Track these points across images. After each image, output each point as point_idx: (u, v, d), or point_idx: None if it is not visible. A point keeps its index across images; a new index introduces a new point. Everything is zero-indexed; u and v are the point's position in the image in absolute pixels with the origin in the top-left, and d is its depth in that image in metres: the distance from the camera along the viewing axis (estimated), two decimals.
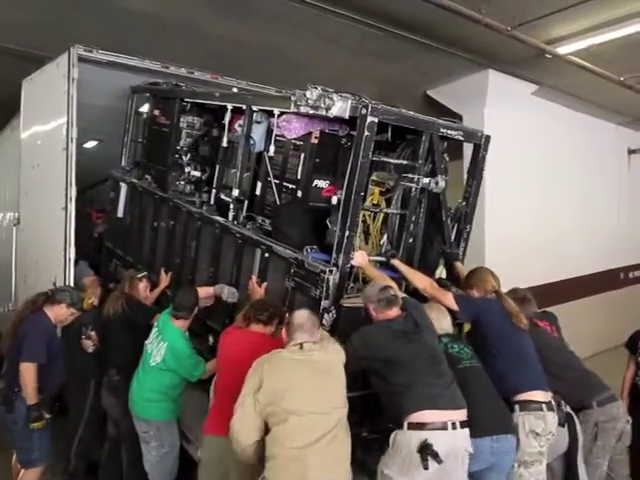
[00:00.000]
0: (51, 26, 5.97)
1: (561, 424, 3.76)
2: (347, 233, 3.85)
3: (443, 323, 3.87)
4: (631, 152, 11.11)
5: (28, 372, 4.18)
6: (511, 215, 8.17)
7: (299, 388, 3.14)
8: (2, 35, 6.11)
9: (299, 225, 4.20)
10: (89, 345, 4.76)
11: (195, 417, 4.47)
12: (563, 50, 6.54)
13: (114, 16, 5.70)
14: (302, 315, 3.41)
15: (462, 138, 4.33)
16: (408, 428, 3.23)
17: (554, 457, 3.87)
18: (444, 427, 3.20)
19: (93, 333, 4.76)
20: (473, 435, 3.32)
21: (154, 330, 4.33)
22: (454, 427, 3.22)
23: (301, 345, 3.28)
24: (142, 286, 4.95)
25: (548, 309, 4.80)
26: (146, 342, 4.32)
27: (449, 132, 4.23)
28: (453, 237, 4.54)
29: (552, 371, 3.85)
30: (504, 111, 7.85)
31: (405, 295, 3.84)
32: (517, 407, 3.61)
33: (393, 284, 3.91)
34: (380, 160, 4.32)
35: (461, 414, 3.29)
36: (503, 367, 3.69)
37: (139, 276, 4.97)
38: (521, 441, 3.54)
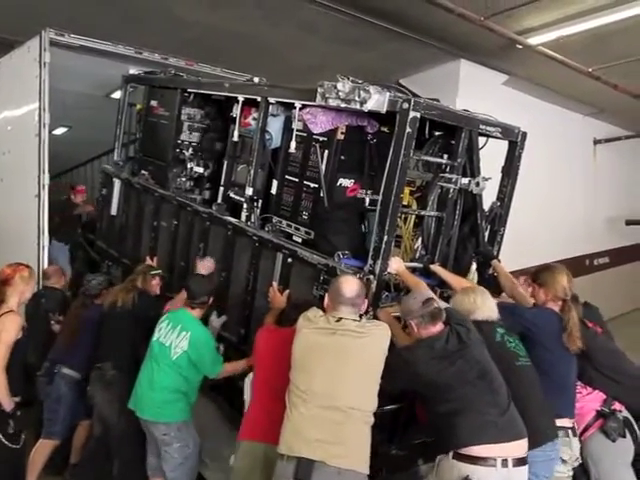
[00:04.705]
0: (19, 9, 5.62)
1: (622, 435, 3.40)
2: (385, 238, 3.38)
3: (491, 304, 3.35)
4: (597, 142, 11.04)
5: None
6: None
7: (316, 369, 2.81)
8: None
9: (347, 233, 3.70)
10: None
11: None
12: (533, 41, 6.44)
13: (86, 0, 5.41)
14: (353, 288, 2.97)
15: (500, 135, 3.88)
16: (453, 457, 2.82)
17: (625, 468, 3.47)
18: (492, 464, 2.75)
19: (61, 317, 4.71)
20: (538, 443, 2.98)
21: (164, 325, 3.85)
22: (504, 464, 2.76)
23: (339, 319, 2.89)
24: (155, 283, 4.50)
25: None
26: (155, 339, 3.84)
27: (488, 128, 3.80)
28: (486, 239, 4.08)
29: (609, 375, 3.50)
30: (475, 101, 7.58)
31: (447, 305, 3.34)
32: None
33: (432, 293, 3.45)
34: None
35: (517, 447, 2.84)
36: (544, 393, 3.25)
37: (153, 272, 4.51)
38: None
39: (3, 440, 3.56)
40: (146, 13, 5.79)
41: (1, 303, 3.63)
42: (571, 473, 3.33)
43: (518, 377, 3.11)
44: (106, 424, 4.09)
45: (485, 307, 3.29)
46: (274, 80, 5.13)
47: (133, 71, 5.91)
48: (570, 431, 3.28)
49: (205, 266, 4.38)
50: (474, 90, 7.56)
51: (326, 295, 3.07)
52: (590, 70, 7.36)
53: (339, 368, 2.79)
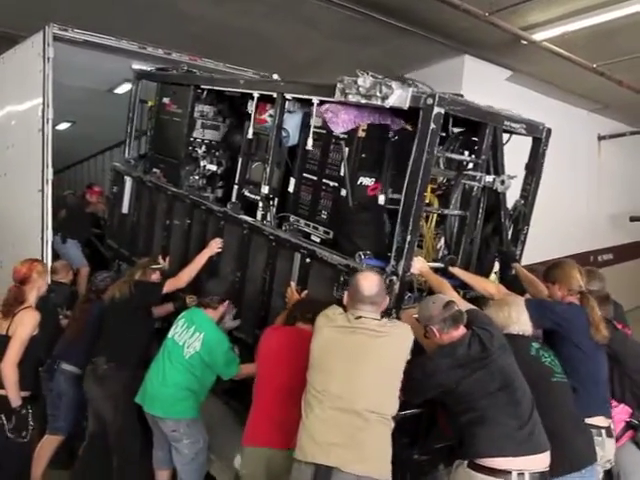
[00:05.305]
0: (22, 4, 5.62)
1: None
2: (408, 238, 3.23)
3: (526, 318, 3.19)
4: (601, 138, 10.84)
5: None
6: None
7: (334, 369, 2.69)
8: None
9: (368, 232, 3.53)
10: None
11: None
12: (538, 36, 6.35)
13: None
14: (372, 286, 2.83)
15: (524, 132, 3.73)
16: (468, 465, 2.71)
17: None
18: (505, 477, 2.64)
19: (69, 312, 4.69)
20: (577, 467, 2.86)
21: (180, 323, 3.79)
22: (520, 477, 2.65)
23: (359, 317, 2.75)
24: (155, 277, 4.39)
25: None
26: (170, 336, 3.77)
27: (512, 125, 3.64)
28: (510, 238, 3.93)
29: (637, 379, 3.35)
30: (479, 96, 7.44)
31: (471, 307, 3.19)
32: None
33: (455, 294, 3.31)
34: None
35: (538, 461, 2.70)
36: (573, 389, 3.13)
37: (153, 267, 4.42)
38: None
39: (10, 434, 3.54)
40: (149, 7, 5.74)
41: (22, 302, 3.62)
42: (600, 475, 3.16)
43: (554, 394, 2.99)
44: (102, 420, 4.00)
45: (520, 321, 3.15)
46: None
47: (136, 66, 5.79)
48: (604, 431, 3.14)
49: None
50: (478, 86, 7.35)
51: (345, 293, 2.94)
52: (595, 66, 7.27)
53: (357, 368, 2.68)
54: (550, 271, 3.49)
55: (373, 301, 2.82)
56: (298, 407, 2.91)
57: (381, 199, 3.57)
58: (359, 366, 2.68)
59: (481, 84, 7.39)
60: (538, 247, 8.92)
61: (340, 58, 6.96)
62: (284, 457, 2.95)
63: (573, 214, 10.06)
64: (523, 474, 2.64)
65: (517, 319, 3.14)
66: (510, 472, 2.63)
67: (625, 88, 8.02)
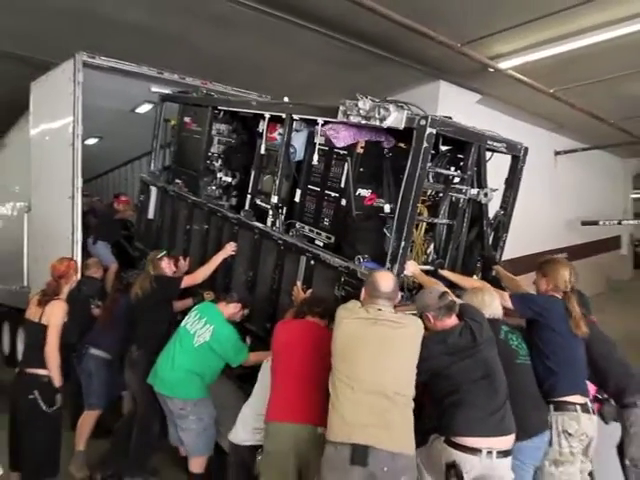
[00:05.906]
0: (55, 35, 5.67)
1: (615, 419, 3.31)
2: (403, 244, 3.27)
3: (497, 303, 3.19)
4: (557, 153, 11.12)
5: None
6: None
7: (360, 356, 2.63)
8: (9, 42, 5.92)
9: (374, 242, 3.39)
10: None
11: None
12: (503, 65, 6.54)
13: (111, 27, 5.46)
14: (389, 283, 2.81)
15: (505, 150, 3.64)
16: (444, 441, 2.77)
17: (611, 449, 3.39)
18: (478, 454, 2.68)
19: (100, 302, 4.75)
20: (528, 436, 2.87)
21: (193, 314, 3.83)
22: (489, 455, 2.69)
23: (379, 310, 2.76)
24: (164, 264, 4.41)
25: None
26: (183, 325, 3.81)
27: (495, 144, 3.60)
28: (490, 244, 3.83)
29: (602, 366, 3.31)
30: (453, 118, 7.36)
31: (461, 301, 3.13)
32: (552, 407, 3.13)
33: (447, 290, 3.16)
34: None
35: (504, 442, 2.76)
36: (551, 371, 3.14)
37: (159, 256, 4.41)
38: (553, 440, 3.07)
39: (46, 410, 3.61)
40: (162, 39, 5.77)
41: (57, 294, 3.75)
42: (576, 450, 3.02)
43: (516, 374, 3.03)
44: (136, 401, 4.08)
45: (492, 306, 3.21)
46: (274, 96, 5.14)
47: (155, 89, 5.84)
48: (579, 407, 3.10)
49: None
50: (452, 108, 7.38)
51: (363, 289, 2.92)
52: (552, 91, 7.48)
53: (383, 355, 2.68)
54: (544, 264, 3.47)
55: (389, 296, 2.85)
56: (315, 390, 2.90)
57: (387, 208, 3.52)
58: (384, 353, 2.68)
59: (454, 106, 7.50)
60: (506, 247, 8.85)
61: (328, 82, 7.08)
62: (310, 432, 2.88)
63: (535, 219, 10.04)
64: (491, 452, 2.72)
65: (490, 304, 3.20)
66: (480, 450, 2.70)
67: (577, 111, 8.21)
